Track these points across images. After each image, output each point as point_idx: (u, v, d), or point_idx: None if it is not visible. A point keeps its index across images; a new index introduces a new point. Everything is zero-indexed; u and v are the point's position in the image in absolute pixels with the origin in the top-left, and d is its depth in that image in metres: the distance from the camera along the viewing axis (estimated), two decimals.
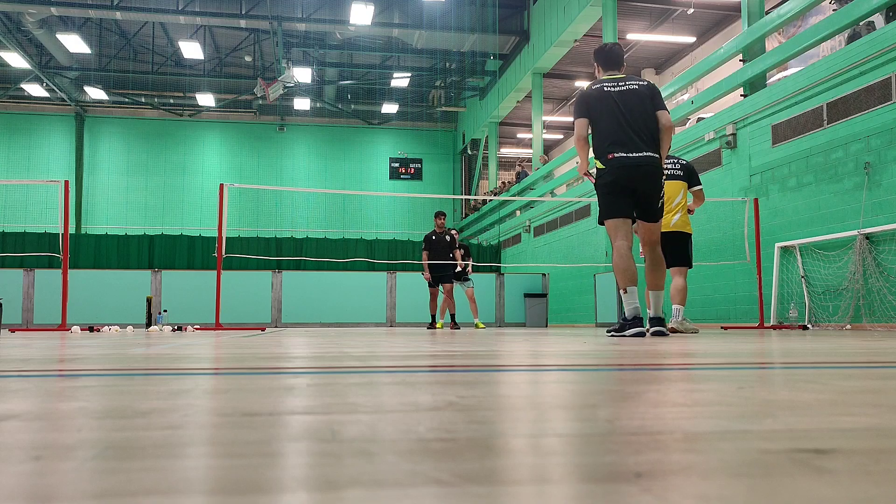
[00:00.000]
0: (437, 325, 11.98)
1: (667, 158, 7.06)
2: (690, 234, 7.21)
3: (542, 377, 1.85)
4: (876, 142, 8.39)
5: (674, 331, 6.81)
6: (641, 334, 5.11)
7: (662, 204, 5.48)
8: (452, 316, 11.85)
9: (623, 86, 5.40)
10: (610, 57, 5.60)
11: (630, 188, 5.31)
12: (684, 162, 7.21)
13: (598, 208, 5.60)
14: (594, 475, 0.62)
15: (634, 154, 5.24)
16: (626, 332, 5.12)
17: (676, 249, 6.99)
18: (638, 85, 5.43)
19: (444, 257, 11.57)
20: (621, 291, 5.34)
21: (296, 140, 28.63)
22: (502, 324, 16.16)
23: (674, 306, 7.01)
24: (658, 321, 5.48)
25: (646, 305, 7.54)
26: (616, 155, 5.24)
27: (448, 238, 11.71)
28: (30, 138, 26.87)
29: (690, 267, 7.20)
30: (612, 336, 5.17)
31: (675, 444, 0.77)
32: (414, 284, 14.71)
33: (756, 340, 4.40)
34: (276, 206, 27.69)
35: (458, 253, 11.74)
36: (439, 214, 11.70)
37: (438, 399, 1.17)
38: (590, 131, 5.49)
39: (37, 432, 0.87)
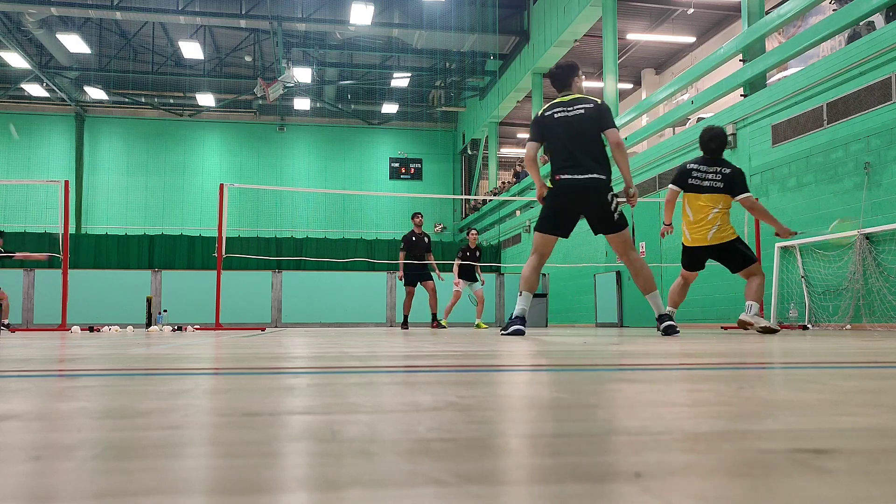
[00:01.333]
0: (443, 324, 11.98)
1: (712, 165, 6.70)
2: (734, 239, 6.74)
3: (542, 377, 1.85)
4: (876, 142, 8.39)
5: (744, 324, 6.69)
6: (521, 332, 5.59)
7: (620, 215, 5.66)
8: (434, 315, 11.75)
9: (571, 110, 5.66)
10: (557, 78, 5.88)
11: (574, 210, 5.69)
12: (728, 171, 6.63)
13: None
14: (594, 475, 0.62)
15: (580, 176, 5.54)
16: (509, 329, 5.62)
17: (730, 257, 6.73)
18: (584, 109, 5.64)
19: (422, 258, 11.60)
20: (519, 294, 5.80)
21: (296, 140, 28.62)
22: (502, 324, 16.16)
23: (747, 302, 6.75)
24: (665, 317, 5.67)
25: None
26: (563, 177, 5.58)
27: (427, 239, 11.74)
28: (30, 138, 26.85)
29: (755, 262, 6.75)
30: (504, 334, 5.62)
31: (675, 444, 0.77)
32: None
33: (756, 340, 4.39)
34: (276, 206, 27.68)
35: (431, 256, 11.80)
36: (416, 215, 11.73)
37: (438, 399, 1.17)
38: (548, 154, 5.82)
39: (37, 432, 0.87)
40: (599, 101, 5.75)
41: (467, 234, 12.71)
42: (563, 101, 5.73)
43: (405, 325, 11.84)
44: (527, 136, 32.03)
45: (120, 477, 0.62)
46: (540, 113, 5.83)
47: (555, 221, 5.72)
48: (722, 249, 6.72)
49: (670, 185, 6.84)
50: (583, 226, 5.97)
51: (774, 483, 0.58)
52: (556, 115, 5.67)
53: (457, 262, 12.37)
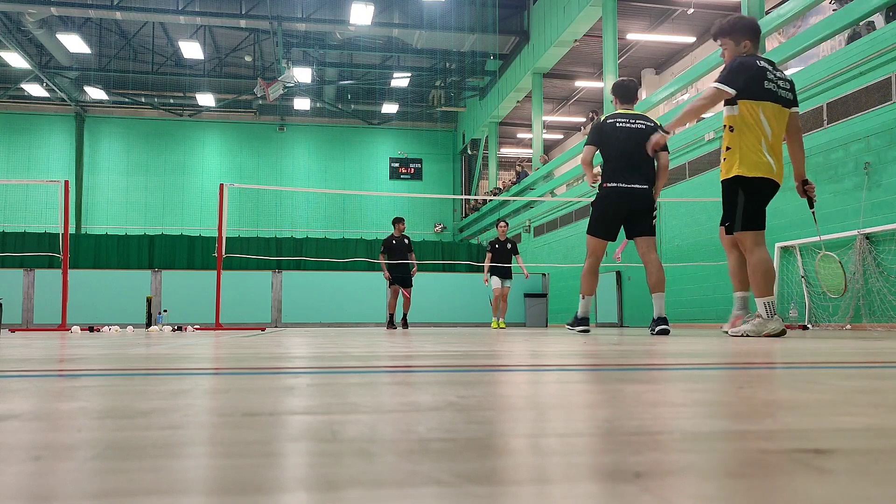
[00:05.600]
0: (496, 325, 11.99)
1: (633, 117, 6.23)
2: (727, 180, 5.30)
3: (542, 377, 1.85)
4: (876, 142, 8.39)
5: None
6: (586, 331, 6.21)
7: (654, 223, 6.30)
8: (404, 316, 11.92)
9: (633, 124, 6.17)
10: (626, 92, 6.41)
11: (622, 213, 6.20)
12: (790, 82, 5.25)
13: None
14: (594, 475, 0.62)
15: (634, 185, 6.10)
16: (576, 328, 6.29)
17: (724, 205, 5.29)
18: (645, 125, 6.16)
19: (404, 258, 11.86)
20: (581, 297, 6.34)
21: (296, 140, 28.62)
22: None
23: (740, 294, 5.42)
24: (661, 321, 6.01)
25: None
26: (616, 184, 6.09)
27: (406, 241, 11.92)
28: (30, 138, 26.85)
29: (729, 230, 5.21)
30: (571, 329, 6.37)
31: (675, 444, 0.77)
32: (413, 285, 14.74)
33: (756, 340, 4.39)
34: (276, 206, 27.68)
35: (413, 255, 11.97)
36: (398, 220, 11.94)
37: (438, 399, 1.17)
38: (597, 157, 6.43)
39: (37, 432, 0.87)
40: (656, 121, 6.28)
41: (496, 226, 12.36)
42: (627, 114, 6.26)
43: (391, 324, 11.92)
44: (527, 135, 31.81)
45: (120, 477, 0.62)
46: (602, 120, 6.33)
47: (605, 226, 6.24)
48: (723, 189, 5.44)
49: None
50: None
51: (774, 483, 0.58)
52: (618, 125, 6.17)
53: (487, 258, 12.13)
